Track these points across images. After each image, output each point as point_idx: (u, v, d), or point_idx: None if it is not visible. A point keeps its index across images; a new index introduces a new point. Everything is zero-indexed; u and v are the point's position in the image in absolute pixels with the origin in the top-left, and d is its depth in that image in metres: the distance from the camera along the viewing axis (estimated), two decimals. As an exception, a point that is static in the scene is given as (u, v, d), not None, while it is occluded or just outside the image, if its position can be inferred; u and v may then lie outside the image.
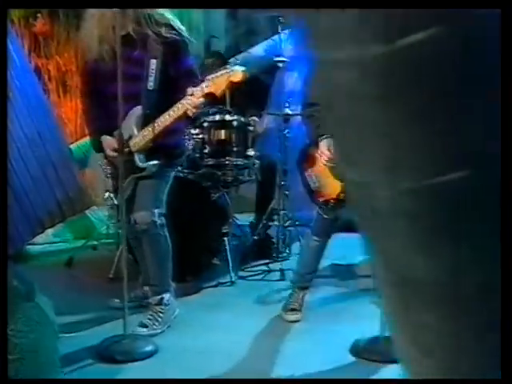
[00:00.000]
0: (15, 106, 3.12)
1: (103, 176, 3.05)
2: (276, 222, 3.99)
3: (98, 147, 2.87)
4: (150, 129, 2.64)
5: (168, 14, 2.71)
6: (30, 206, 3.37)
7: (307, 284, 3.01)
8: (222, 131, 3.66)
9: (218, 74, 2.44)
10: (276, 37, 5.29)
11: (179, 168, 3.15)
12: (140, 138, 2.69)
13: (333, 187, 2.73)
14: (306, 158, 2.83)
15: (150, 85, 2.67)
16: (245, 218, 4.46)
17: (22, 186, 3.31)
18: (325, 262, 3.25)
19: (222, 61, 4.33)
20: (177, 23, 2.73)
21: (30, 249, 4.01)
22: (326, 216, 2.82)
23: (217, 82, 2.43)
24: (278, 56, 5.18)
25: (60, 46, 6.43)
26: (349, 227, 3.07)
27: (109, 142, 2.78)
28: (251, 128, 3.77)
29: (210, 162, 3.65)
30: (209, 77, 2.47)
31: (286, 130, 3.97)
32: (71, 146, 4.47)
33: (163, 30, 2.66)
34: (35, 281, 1.91)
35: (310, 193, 2.87)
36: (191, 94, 2.49)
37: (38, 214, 3.40)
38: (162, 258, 2.85)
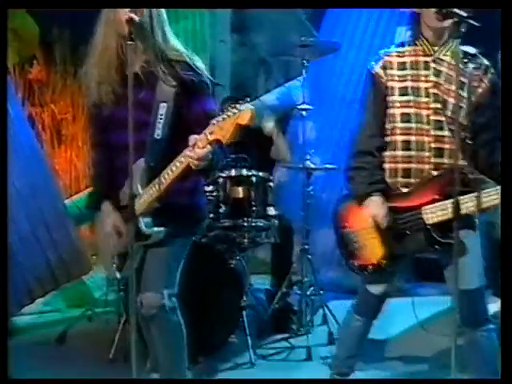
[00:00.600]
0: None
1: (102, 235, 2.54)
2: (298, 291, 3.52)
3: (96, 204, 2.42)
4: (156, 186, 2.18)
5: (185, 50, 2.31)
6: (18, 272, 2.88)
7: (349, 370, 2.52)
8: (240, 188, 3.26)
9: (224, 116, 1.97)
10: (290, 83, 5.00)
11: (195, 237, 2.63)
12: (145, 197, 2.23)
13: (375, 251, 2.29)
14: (347, 212, 2.39)
15: (158, 133, 2.23)
16: (258, 281, 3.96)
17: (9, 248, 2.83)
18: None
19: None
20: (196, 61, 2.30)
21: (16, 320, 3.48)
22: (372, 291, 2.38)
23: (223, 127, 1.96)
24: (292, 104, 4.89)
25: (55, 94, 6.07)
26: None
27: (113, 217, 2.32)
28: (271, 184, 3.36)
29: (226, 224, 3.21)
30: (213, 121, 2.00)
31: (310, 187, 3.55)
32: (66, 202, 4.02)
33: (178, 69, 2.24)
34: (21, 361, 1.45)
35: (346, 254, 2.42)
36: (194, 144, 2.05)
37: (26, 282, 2.92)
38: (174, 346, 2.35)
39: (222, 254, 3.20)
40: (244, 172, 3.33)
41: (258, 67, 5.40)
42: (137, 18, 2.14)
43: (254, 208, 3.22)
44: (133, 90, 2.05)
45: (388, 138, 2.27)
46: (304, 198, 3.55)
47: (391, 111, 2.25)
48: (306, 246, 3.50)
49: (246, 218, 3.20)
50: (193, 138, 2.06)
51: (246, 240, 3.28)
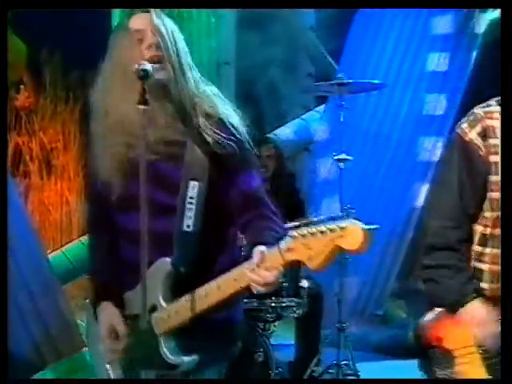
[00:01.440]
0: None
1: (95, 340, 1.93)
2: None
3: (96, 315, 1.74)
4: (188, 302, 1.53)
5: (222, 107, 1.67)
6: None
7: None
8: None
9: (314, 230, 1.31)
10: (307, 115, 4.48)
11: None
12: (169, 312, 1.59)
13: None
14: (434, 329, 1.78)
15: (188, 223, 1.61)
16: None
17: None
18: None
19: (277, 152, 3.41)
20: (235, 120, 1.67)
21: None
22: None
23: (312, 246, 1.31)
24: (310, 138, 4.36)
25: (45, 121, 5.52)
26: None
27: (115, 319, 1.68)
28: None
29: (249, 305, 2.59)
30: (293, 232, 1.34)
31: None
32: (54, 254, 3.44)
33: (212, 134, 1.62)
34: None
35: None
36: (261, 260, 1.41)
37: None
38: None
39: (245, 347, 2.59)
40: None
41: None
42: (150, 67, 1.52)
43: (284, 284, 2.65)
44: (150, 161, 1.50)
45: (487, 231, 1.68)
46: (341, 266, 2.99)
47: (493, 195, 1.68)
48: (343, 325, 2.95)
49: (274, 298, 2.63)
50: (259, 253, 1.43)
51: (270, 317, 2.70)
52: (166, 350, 1.57)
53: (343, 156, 3.00)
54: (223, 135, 1.61)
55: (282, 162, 3.43)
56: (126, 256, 1.67)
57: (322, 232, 1.30)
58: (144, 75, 1.48)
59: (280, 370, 2.86)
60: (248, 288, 1.47)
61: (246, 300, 2.59)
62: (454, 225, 1.66)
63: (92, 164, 1.72)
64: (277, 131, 4.30)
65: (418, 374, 1.86)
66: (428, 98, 4.16)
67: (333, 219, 1.29)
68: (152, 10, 1.62)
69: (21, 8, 4.26)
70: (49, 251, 5.65)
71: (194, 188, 1.60)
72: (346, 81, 2.98)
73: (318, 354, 3.05)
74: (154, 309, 1.58)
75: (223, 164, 1.62)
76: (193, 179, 1.60)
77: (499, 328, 1.60)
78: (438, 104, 4.16)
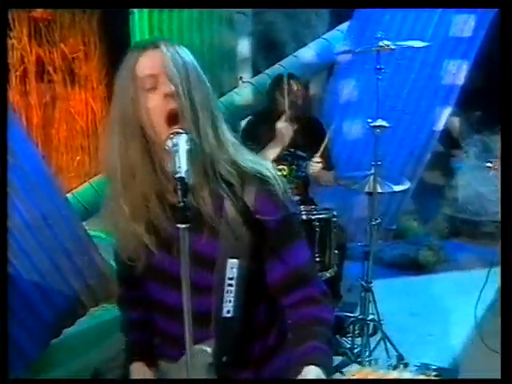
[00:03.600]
0: (10, 187, 2.30)
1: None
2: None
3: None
4: None
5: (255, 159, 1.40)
6: (37, 314, 2.61)
7: None
8: None
9: None
10: (329, 34, 4.33)
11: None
12: None
13: None
14: None
15: (228, 308, 1.38)
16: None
17: (27, 289, 2.54)
18: None
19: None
20: (270, 173, 1.38)
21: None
22: None
23: None
24: (333, 59, 4.26)
25: (64, 32, 5.46)
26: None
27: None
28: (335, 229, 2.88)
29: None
30: None
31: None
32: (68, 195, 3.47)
33: (250, 196, 1.35)
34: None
35: None
36: None
37: (48, 321, 2.65)
38: None
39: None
40: (304, 217, 2.79)
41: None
42: (185, 174, 1.17)
43: (317, 259, 2.76)
44: (177, 236, 1.17)
45: None
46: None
47: None
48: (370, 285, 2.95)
49: None
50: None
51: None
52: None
53: (379, 122, 2.78)
54: (264, 199, 1.35)
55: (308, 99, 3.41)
56: (159, 324, 1.50)
57: None
58: (182, 184, 1.15)
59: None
60: None
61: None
62: None
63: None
64: (298, 52, 4.21)
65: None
66: (455, 19, 3.99)
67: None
68: (163, 46, 1.31)
69: (21, 8, 4.03)
70: (77, 157, 6.01)
71: (233, 267, 1.36)
72: (386, 44, 2.75)
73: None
74: None
75: (266, 236, 1.37)
76: (232, 257, 1.36)
77: None
78: (465, 25, 3.99)
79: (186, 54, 1.34)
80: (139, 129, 1.31)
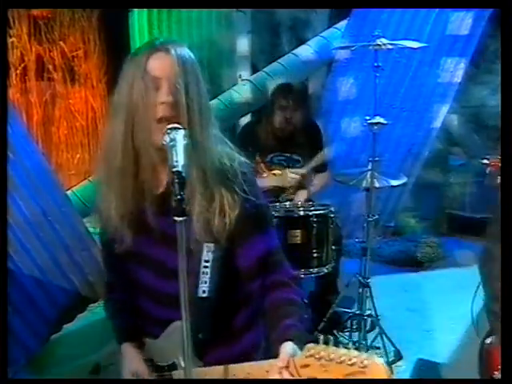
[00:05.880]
0: (11, 184, 2.32)
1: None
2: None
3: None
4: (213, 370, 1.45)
5: (238, 158, 1.50)
6: (38, 309, 2.64)
7: None
8: (298, 233, 2.75)
9: (332, 355, 1.17)
10: (328, 32, 4.35)
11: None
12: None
13: None
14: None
15: (203, 288, 1.48)
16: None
17: (27, 284, 2.57)
18: None
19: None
20: (247, 170, 1.51)
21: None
22: None
23: (330, 370, 1.18)
24: (331, 57, 4.28)
25: (64, 30, 5.48)
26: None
27: (134, 364, 1.62)
28: (333, 216, 2.91)
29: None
30: (311, 350, 1.21)
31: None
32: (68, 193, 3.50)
33: (235, 188, 1.45)
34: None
35: None
36: (286, 366, 1.28)
37: (48, 316, 2.68)
38: None
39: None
40: (301, 212, 2.84)
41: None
42: (182, 168, 1.22)
43: (314, 254, 2.80)
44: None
45: None
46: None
47: None
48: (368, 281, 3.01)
49: (304, 270, 2.76)
50: (285, 360, 1.28)
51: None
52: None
53: (377, 120, 2.83)
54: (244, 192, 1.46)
55: (306, 105, 3.39)
56: (141, 304, 1.59)
57: (341, 362, 1.20)
58: (179, 177, 1.19)
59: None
60: None
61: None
62: None
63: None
64: (297, 50, 4.23)
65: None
66: (453, 17, 4.01)
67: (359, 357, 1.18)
68: (173, 50, 1.38)
69: (21, 8, 4.04)
70: (77, 154, 6.04)
71: (209, 251, 1.47)
72: (383, 43, 2.78)
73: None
74: (174, 367, 1.55)
75: (241, 224, 1.47)
76: (208, 242, 1.46)
77: None
78: (462, 23, 4.01)
79: (190, 57, 1.42)
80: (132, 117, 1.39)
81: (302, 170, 3.21)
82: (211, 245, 1.46)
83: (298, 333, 1.41)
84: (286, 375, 1.29)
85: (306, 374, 1.26)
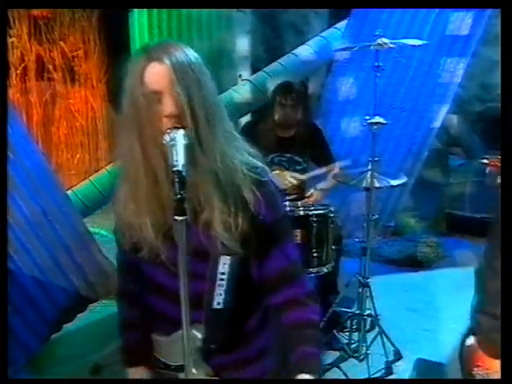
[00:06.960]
0: (11, 184, 2.32)
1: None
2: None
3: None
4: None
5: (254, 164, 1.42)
6: (38, 309, 2.64)
7: None
8: (298, 232, 2.76)
9: None
10: (327, 32, 4.36)
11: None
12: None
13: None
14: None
15: (218, 300, 1.44)
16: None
17: (27, 284, 2.57)
18: None
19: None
20: (265, 175, 1.43)
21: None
22: None
23: None
24: (331, 57, 4.29)
25: (64, 30, 5.49)
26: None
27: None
28: (333, 216, 2.92)
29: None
30: None
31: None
32: (83, 184, 3.57)
33: (247, 196, 1.38)
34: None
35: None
36: None
37: (48, 315, 2.68)
38: None
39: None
40: (302, 212, 2.84)
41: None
42: (182, 168, 1.20)
43: (314, 254, 2.82)
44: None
45: None
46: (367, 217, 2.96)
47: None
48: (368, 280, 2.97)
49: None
50: None
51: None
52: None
53: (377, 119, 2.82)
54: (258, 202, 1.38)
55: (307, 105, 3.39)
56: (156, 304, 1.54)
57: None
58: (179, 177, 1.18)
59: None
60: None
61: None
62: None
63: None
64: (297, 50, 4.23)
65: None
66: (452, 17, 4.01)
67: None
68: (167, 60, 1.30)
69: (21, 8, 4.03)
70: (77, 154, 6.04)
71: (225, 263, 1.42)
72: (385, 42, 2.75)
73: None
74: (181, 369, 1.46)
75: (259, 236, 1.40)
76: (224, 254, 1.40)
77: None
78: (462, 23, 4.01)
79: (190, 56, 1.35)
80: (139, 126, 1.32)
81: (303, 177, 3.21)
82: (228, 257, 1.40)
83: (316, 363, 1.40)
84: None
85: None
